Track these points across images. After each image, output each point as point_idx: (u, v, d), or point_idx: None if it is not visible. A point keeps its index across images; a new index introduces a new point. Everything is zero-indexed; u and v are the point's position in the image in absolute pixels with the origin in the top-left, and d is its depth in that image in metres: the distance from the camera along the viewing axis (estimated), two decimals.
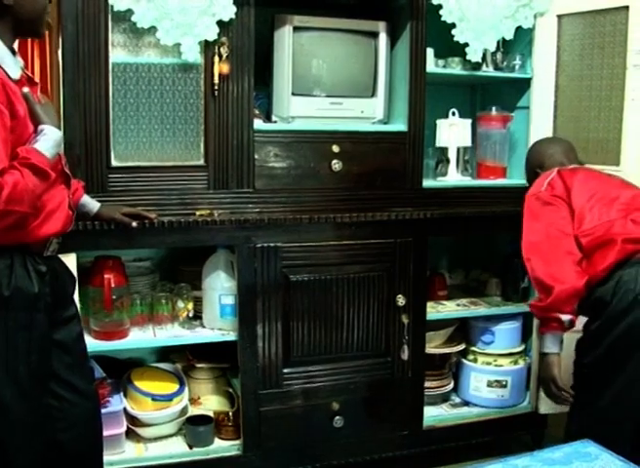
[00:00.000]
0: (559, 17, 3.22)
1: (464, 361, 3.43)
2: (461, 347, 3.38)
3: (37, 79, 2.28)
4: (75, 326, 2.34)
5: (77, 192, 2.49)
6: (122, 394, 2.89)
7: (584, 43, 3.18)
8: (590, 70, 3.16)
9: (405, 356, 3.06)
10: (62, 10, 2.59)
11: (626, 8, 2.98)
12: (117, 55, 2.70)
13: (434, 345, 3.30)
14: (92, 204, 2.58)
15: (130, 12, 2.63)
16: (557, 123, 3.25)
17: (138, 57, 2.74)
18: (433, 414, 3.29)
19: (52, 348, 2.20)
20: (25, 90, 2.06)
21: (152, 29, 2.67)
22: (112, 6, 2.61)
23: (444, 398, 3.42)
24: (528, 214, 2.67)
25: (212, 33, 2.72)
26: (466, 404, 3.42)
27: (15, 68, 2.04)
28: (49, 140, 2.04)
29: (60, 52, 2.70)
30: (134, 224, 2.59)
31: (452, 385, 3.43)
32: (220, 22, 2.72)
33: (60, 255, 2.29)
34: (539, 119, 3.29)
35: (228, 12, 2.73)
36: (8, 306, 2.03)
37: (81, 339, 2.38)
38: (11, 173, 1.90)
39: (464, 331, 3.45)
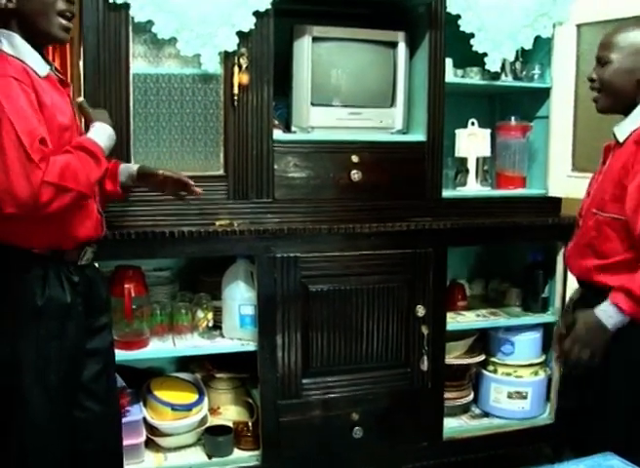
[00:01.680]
0: (578, 26, 3.22)
1: (484, 372, 3.41)
2: (481, 358, 3.36)
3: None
4: (108, 334, 2.36)
5: (112, 167, 2.41)
6: (142, 404, 2.89)
7: None
8: None
9: (424, 367, 3.05)
10: (84, 21, 2.62)
11: None
12: (138, 65, 2.72)
13: (454, 356, 3.29)
14: (130, 167, 2.47)
15: (150, 23, 2.65)
16: (577, 132, 3.25)
17: (158, 67, 2.76)
18: (453, 426, 3.27)
19: (84, 357, 2.22)
20: (80, 99, 2.14)
21: (172, 40, 2.69)
22: (133, 17, 2.64)
23: (464, 409, 3.39)
24: None
25: (231, 44, 2.73)
26: (486, 415, 3.39)
27: (41, 66, 2.04)
28: (100, 132, 2.11)
29: (81, 63, 2.73)
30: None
31: (472, 396, 3.40)
32: (239, 33, 2.74)
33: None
34: (558, 128, 3.28)
35: (248, 22, 2.74)
36: (41, 315, 2.05)
37: (112, 348, 2.40)
38: (63, 153, 1.96)
39: (484, 342, 3.43)
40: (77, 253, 2.15)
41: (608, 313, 2.13)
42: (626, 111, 2.25)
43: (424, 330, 3.03)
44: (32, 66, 2.00)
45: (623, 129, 2.25)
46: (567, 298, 2.64)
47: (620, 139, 2.25)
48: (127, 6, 2.62)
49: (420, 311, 3.01)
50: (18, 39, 2.01)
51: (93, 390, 2.27)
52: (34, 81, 1.96)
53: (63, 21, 2.06)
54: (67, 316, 2.11)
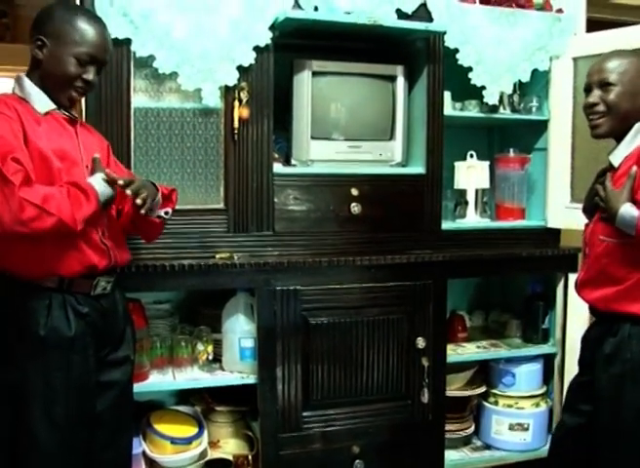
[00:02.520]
0: (574, 59, 3.24)
1: (485, 403, 3.40)
2: (482, 390, 3.36)
3: None
4: (129, 366, 2.36)
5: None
6: (141, 437, 2.87)
7: None
8: None
9: (425, 399, 3.04)
10: None
11: None
12: (139, 100, 2.75)
13: (455, 388, 3.28)
14: None
15: (152, 58, 2.68)
16: (575, 164, 3.25)
17: (159, 101, 2.79)
18: (454, 458, 3.25)
19: (96, 390, 2.21)
20: (96, 155, 2.18)
21: (173, 75, 2.72)
22: (134, 52, 2.67)
23: (465, 441, 3.38)
24: None
25: (232, 78, 2.76)
26: (488, 447, 3.38)
27: (42, 105, 2.11)
28: (98, 179, 2.12)
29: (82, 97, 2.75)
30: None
31: (473, 428, 3.39)
32: (239, 68, 2.77)
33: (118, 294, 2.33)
34: (557, 160, 3.29)
35: (248, 57, 2.78)
36: (45, 346, 2.06)
37: (131, 381, 2.41)
38: (55, 187, 2.01)
39: (485, 374, 3.43)
40: (87, 283, 2.16)
41: None
42: (620, 136, 2.29)
43: (425, 362, 3.02)
44: (33, 105, 2.10)
45: (618, 155, 2.30)
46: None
47: (616, 164, 2.30)
48: (129, 41, 2.66)
49: (421, 343, 3.00)
50: (26, 82, 2.14)
51: (106, 421, 2.26)
52: (23, 114, 2.03)
53: (74, 94, 2.15)
54: (71, 348, 2.10)
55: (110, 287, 2.25)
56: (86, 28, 2.12)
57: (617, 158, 2.30)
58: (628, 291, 2.23)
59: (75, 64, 2.11)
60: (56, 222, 1.97)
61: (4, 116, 2.00)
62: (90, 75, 2.14)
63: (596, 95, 2.29)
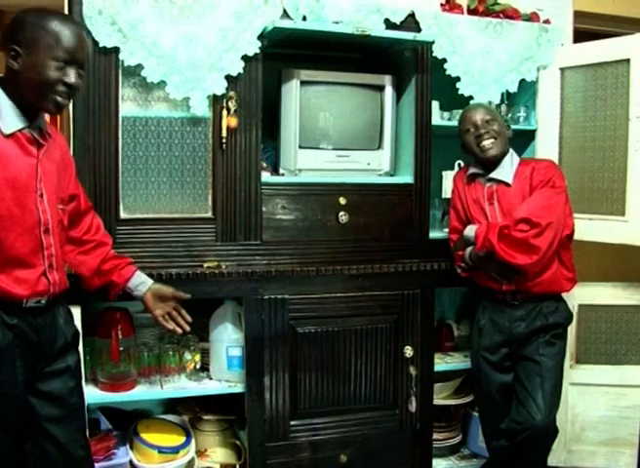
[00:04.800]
0: (562, 69, 3.26)
1: (473, 412, 3.40)
2: (470, 399, 3.36)
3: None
4: (69, 379, 2.25)
5: (125, 270, 2.49)
6: (128, 446, 2.87)
7: (587, 95, 3.21)
8: (594, 122, 3.18)
9: (413, 408, 3.04)
10: None
11: (627, 61, 3.02)
12: (127, 108, 2.75)
13: (442, 397, 3.29)
14: (139, 289, 2.52)
15: (140, 67, 2.69)
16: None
17: (147, 110, 2.79)
18: (442, 467, 3.26)
19: (29, 397, 2.16)
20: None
21: (162, 84, 2.72)
22: (123, 61, 2.67)
23: (453, 450, 3.38)
24: None
25: (220, 87, 2.77)
26: (475, 456, 3.38)
27: (9, 122, 2.03)
28: None
29: (70, 105, 2.74)
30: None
31: (460, 437, 3.40)
32: (228, 77, 2.78)
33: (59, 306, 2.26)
34: None
35: (236, 67, 2.78)
36: None
37: (74, 394, 2.28)
38: None
39: (472, 383, 3.42)
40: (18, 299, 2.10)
41: None
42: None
43: (412, 370, 3.03)
44: None
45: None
46: None
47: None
48: (117, 50, 2.66)
49: (409, 352, 3.01)
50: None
51: (51, 434, 2.20)
52: None
53: (59, 99, 2.05)
54: None
55: (46, 300, 2.16)
56: (60, 30, 2.01)
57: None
58: None
59: (54, 68, 2.00)
60: None
61: None
62: (71, 78, 2.04)
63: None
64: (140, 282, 2.50)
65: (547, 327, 2.83)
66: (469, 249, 2.88)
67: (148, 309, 2.54)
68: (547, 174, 2.80)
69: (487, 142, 2.82)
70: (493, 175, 2.88)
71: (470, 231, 2.86)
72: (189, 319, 2.57)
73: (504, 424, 2.84)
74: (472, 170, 2.94)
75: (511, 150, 2.92)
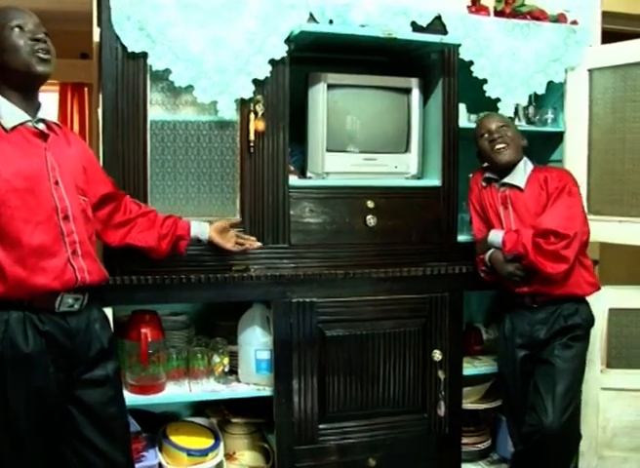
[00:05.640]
0: (590, 71, 3.24)
1: (502, 417, 3.37)
2: (498, 403, 3.33)
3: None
4: (109, 389, 2.27)
5: (181, 223, 2.63)
6: (157, 448, 2.88)
7: (616, 96, 3.19)
8: (623, 123, 3.16)
9: (441, 412, 3.03)
10: (103, 70, 2.67)
11: None
12: (155, 113, 2.77)
13: (471, 401, 3.27)
14: (203, 233, 2.69)
15: (168, 71, 2.70)
16: (591, 176, 3.24)
17: (175, 114, 2.80)
18: None
19: (68, 405, 2.18)
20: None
21: (189, 88, 2.74)
22: (151, 66, 2.69)
23: (482, 455, 3.36)
24: None
25: (247, 91, 2.78)
26: (504, 461, 3.35)
27: (9, 119, 2.10)
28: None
29: (99, 110, 2.78)
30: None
31: (489, 442, 3.37)
32: (255, 81, 2.78)
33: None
34: (572, 172, 3.27)
35: (264, 71, 2.79)
36: (2, 362, 2.05)
37: (114, 403, 2.29)
38: None
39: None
40: (49, 300, 2.12)
41: None
42: None
43: (441, 374, 3.01)
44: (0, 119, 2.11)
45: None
46: None
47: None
48: (145, 55, 2.68)
49: (437, 356, 3.00)
50: None
51: (90, 440, 2.21)
52: None
53: (40, 54, 2.12)
54: (28, 365, 2.07)
55: (79, 304, 2.20)
56: (10, 9, 2.14)
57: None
58: None
59: (17, 34, 2.10)
60: None
61: None
62: (37, 34, 2.12)
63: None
64: (200, 228, 2.67)
65: (566, 329, 2.84)
66: (490, 251, 2.91)
67: (219, 246, 2.71)
68: (562, 180, 2.87)
69: (501, 146, 2.90)
70: (506, 179, 2.95)
71: (497, 236, 2.90)
72: (253, 238, 2.79)
73: (523, 428, 2.85)
74: (487, 174, 3.02)
75: (525, 158, 2.98)
